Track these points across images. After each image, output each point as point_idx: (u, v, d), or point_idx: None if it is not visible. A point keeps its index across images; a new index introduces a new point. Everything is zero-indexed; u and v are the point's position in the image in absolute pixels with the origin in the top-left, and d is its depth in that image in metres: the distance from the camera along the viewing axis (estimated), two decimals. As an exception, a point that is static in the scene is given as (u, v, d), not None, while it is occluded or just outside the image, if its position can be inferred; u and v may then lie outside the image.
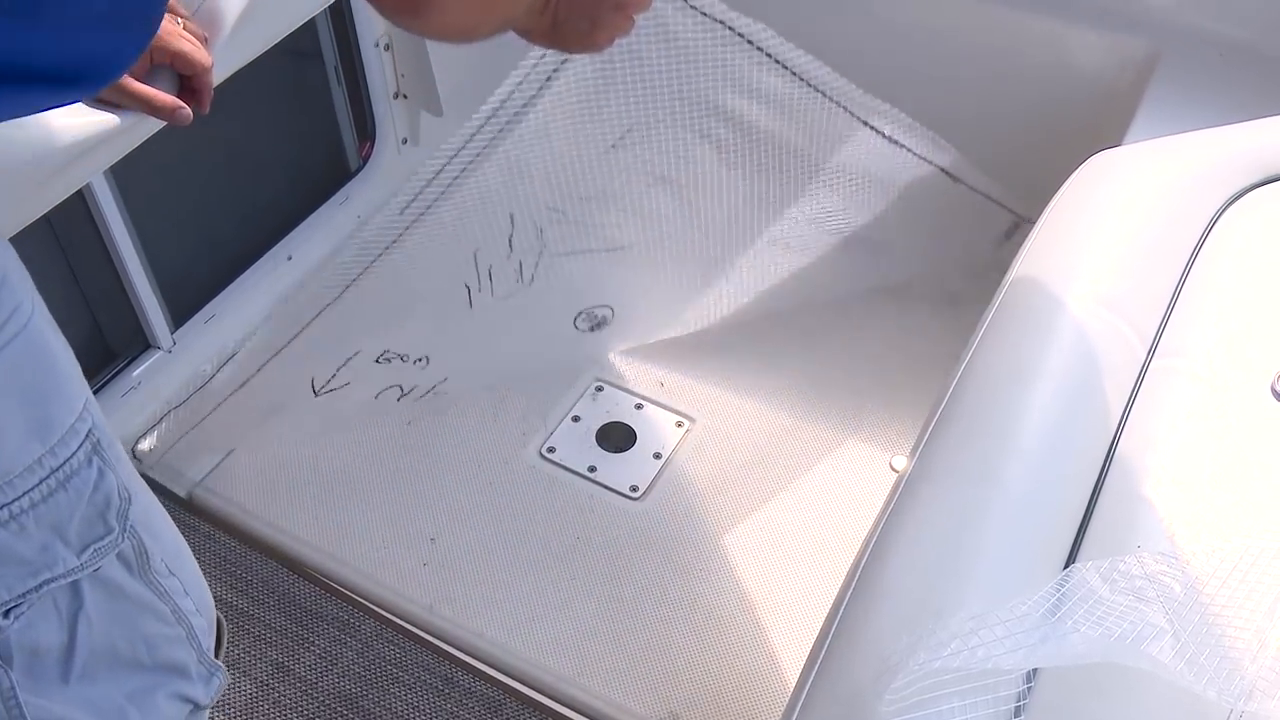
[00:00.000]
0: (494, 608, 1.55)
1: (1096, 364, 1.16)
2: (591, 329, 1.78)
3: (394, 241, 1.49)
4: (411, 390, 1.74)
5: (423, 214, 1.46)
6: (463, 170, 1.43)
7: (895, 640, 0.92)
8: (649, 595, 1.56)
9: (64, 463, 0.80)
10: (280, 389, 1.64)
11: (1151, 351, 1.16)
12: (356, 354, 1.64)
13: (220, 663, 1.07)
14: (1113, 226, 1.29)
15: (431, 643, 1.51)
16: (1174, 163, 1.35)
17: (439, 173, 1.43)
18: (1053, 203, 1.37)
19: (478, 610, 1.54)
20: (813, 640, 1.01)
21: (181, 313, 1.74)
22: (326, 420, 1.76)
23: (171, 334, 1.72)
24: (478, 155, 1.43)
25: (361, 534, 1.62)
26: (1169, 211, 1.28)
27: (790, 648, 1.51)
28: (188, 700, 1.03)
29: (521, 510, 1.66)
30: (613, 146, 1.50)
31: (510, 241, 1.57)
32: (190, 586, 0.99)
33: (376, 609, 1.54)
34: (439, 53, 1.92)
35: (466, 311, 1.64)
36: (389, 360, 1.68)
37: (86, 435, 0.82)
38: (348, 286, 1.51)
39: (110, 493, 0.85)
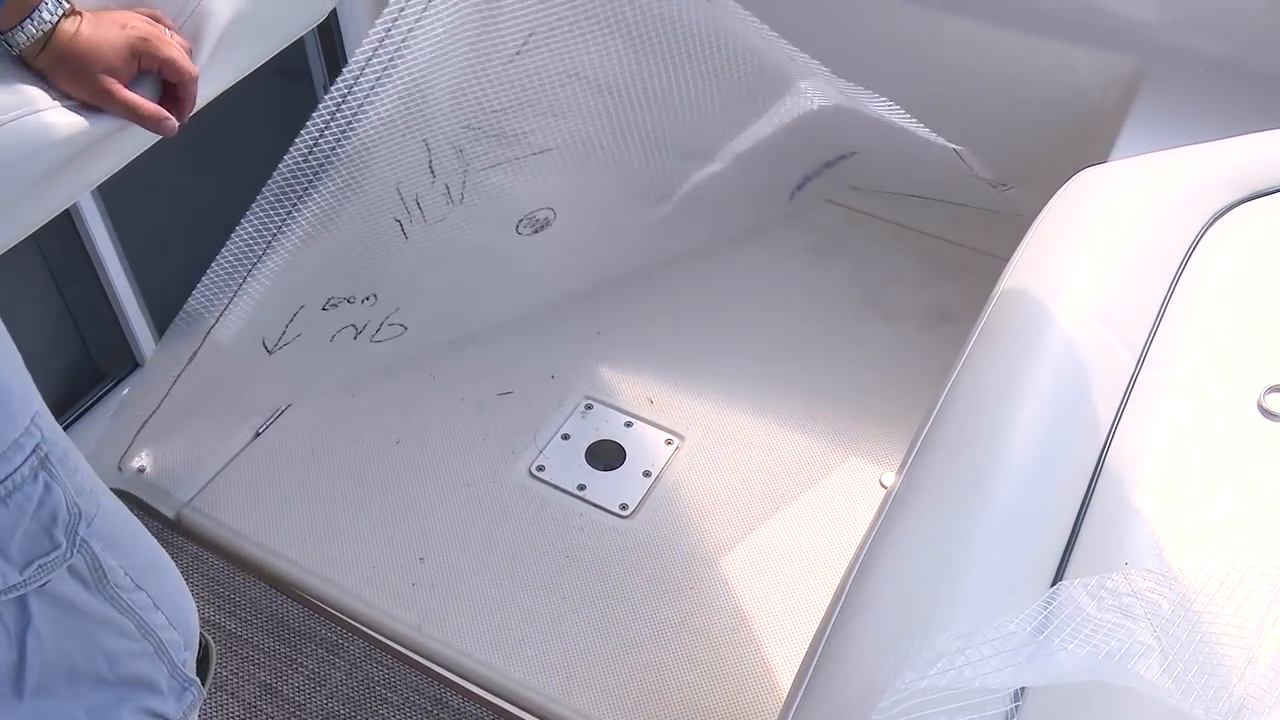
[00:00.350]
0: (483, 627, 1.54)
1: (1084, 380, 1.16)
2: (535, 231, 1.74)
3: (305, 192, 1.42)
4: (365, 326, 1.71)
5: (328, 157, 1.39)
6: (359, 106, 1.37)
7: (882, 659, 0.91)
8: (639, 614, 1.56)
9: (5, 478, 0.78)
10: (233, 357, 1.61)
11: (1139, 366, 1.16)
12: (301, 308, 1.61)
13: (194, 677, 1.06)
14: (1099, 242, 1.29)
15: (420, 663, 1.50)
16: (1159, 179, 1.35)
17: (335, 112, 1.38)
18: (1039, 218, 1.38)
19: (467, 630, 1.53)
20: (802, 658, 1.00)
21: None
22: (316, 438, 1.75)
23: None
24: (371, 89, 1.36)
25: (350, 554, 1.62)
26: (1155, 227, 1.29)
27: (780, 666, 1.50)
28: (156, 715, 1.02)
29: (511, 529, 1.65)
30: (517, 53, 1.45)
31: (431, 168, 1.51)
32: (162, 600, 0.98)
33: (365, 629, 1.54)
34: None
35: (403, 244, 1.60)
36: (335, 305, 1.64)
37: (33, 450, 0.80)
38: (269, 243, 1.45)
39: (57, 508, 0.83)
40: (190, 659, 1.05)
